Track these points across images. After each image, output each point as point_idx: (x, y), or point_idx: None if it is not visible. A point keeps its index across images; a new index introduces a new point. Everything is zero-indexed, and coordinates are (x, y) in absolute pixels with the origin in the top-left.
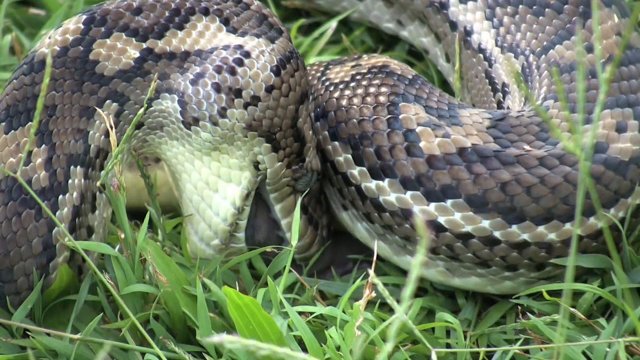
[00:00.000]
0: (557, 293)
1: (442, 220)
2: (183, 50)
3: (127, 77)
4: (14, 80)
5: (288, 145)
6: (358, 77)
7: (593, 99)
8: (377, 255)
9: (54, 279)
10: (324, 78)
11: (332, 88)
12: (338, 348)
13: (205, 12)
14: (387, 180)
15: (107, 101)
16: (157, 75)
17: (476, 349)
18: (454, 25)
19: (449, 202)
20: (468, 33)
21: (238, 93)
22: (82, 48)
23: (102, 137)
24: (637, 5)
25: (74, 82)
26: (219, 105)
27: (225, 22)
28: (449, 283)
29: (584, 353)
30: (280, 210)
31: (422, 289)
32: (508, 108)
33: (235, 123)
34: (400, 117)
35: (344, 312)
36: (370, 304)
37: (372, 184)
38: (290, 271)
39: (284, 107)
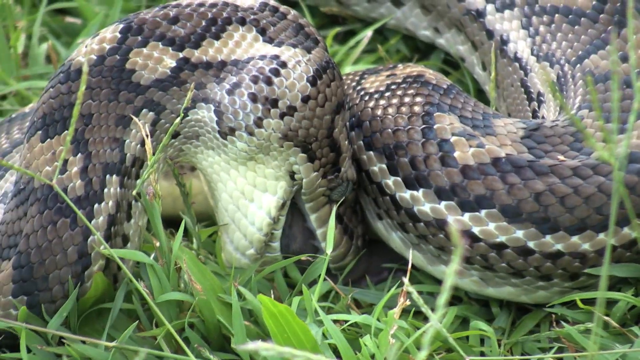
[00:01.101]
0: (591, 302)
1: (476, 230)
2: (219, 59)
3: (163, 86)
4: (50, 89)
5: (324, 155)
6: (393, 86)
7: (628, 109)
8: (412, 264)
9: (89, 287)
10: (359, 87)
11: (367, 97)
12: (372, 356)
13: (242, 21)
14: (421, 190)
15: (144, 110)
16: (193, 85)
17: (510, 357)
18: (490, 34)
19: (483, 212)
20: (504, 42)
21: (274, 103)
22: (118, 57)
23: (138, 146)
24: None
25: (110, 90)
26: (255, 115)
27: (262, 31)
28: (483, 292)
29: None
30: (315, 219)
31: (457, 298)
32: (543, 117)
33: (272, 133)
34: (434, 127)
35: (378, 320)
36: (404, 312)
37: (406, 194)
38: (325, 279)
39: (320, 117)
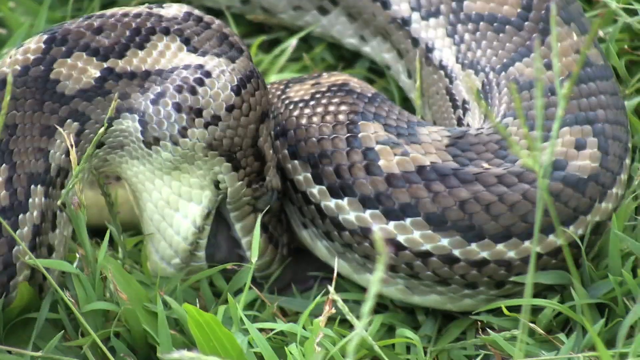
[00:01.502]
0: (516, 309)
1: (401, 238)
2: (144, 69)
3: (88, 96)
4: None
5: (248, 164)
6: (318, 95)
7: (552, 117)
8: (338, 273)
9: (15, 297)
10: (284, 96)
11: (292, 106)
12: None
13: (166, 31)
14: (346, 199)
15: (68, 120)
16: (117, 95)
17: None
18: (416, 42)
19: (408, 220)
20: (430, 50)
21: (199, 113)
22: (42, 67)
23: (63, 156)
24: (595, 21)
25: (35, 101)
26: (180, 124)
27: (186, 41)
28: (409, 300)
29: None
30: (240, 228)
31: (383, 306)
32: (468, 125)
33: (196, 142)
34: (359, 135)
35: (304, 328)
36: (330, 320)
37: (331, 203)
38: (250, 288)
39: (244, 127)
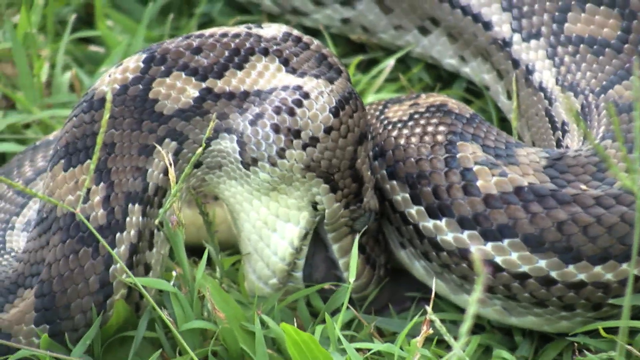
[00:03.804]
0: (613, 331)
1: (499, 260)
2: (242, 90)
3: (186, 116)
4: (74, 118)
5: (346, 186)
6: (416, 116)
7: None
8: (435, 293)
9: (112, 316)
10: (382, 117)
11: (390, 127)
12: None
13: (265, 52)
14: (444, 219)
15: (166, 140)
16: (215, 115)
17: None
18: (516, 63)
19: (506, 241)
20: (530, 71)
21: (297, 134)
22: (141, 86)
23: (161, 175)
24: None
25: (133, 120)
26: (278, 146)
27: (285, 62)
28: (506, 321)
29: None
30: (338, 249)
31: (480, 326)
32: (567, 147)
33: (294, 164)
34: (457, 155)
35: (401, 349)
36: (427, 341)
37: (429, 223)
38: (347, 308)
39: (342, 149)
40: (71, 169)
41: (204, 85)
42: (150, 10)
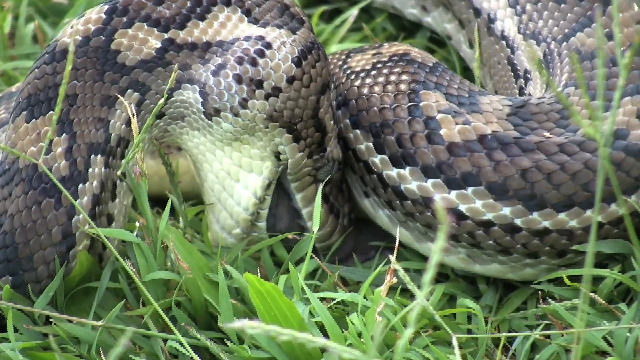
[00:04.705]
0: (577, 279)
1: (463, 208)
2: (204, 40)
3: (148, 67)
4: (36, 69)
5: (309, 135)
6: (379, 65)
7: (614, 87)
8: (399, 242)
9: (74, 267)
10: (345, 66)
11: (353, 76)
12: (359, 334)
13: (227, 2)
14: (408, 168)
15: (129, 90)
16: (178, 66)
17: (497, 335)
18: (478, 12)
19: (470, 189)
20: (492, 20)
21: (259, 84)
22: (103, 38)
23: (123, 126)
24: None
25: (96, 71)
26: (240, 96)
27: (247, 12)
28: (470, 269)
29: (604, 338)
30: (301, 199)
31: (444, 275)
32: (530, 95)
33: (257, 114)
34: (420, 104)
35: (365, 298)
36: (391, 290)
37: (393, 172)
38: (311, 257)
39: (305, 98)
40: (33, 120)
41: (166, 36)
42: None
